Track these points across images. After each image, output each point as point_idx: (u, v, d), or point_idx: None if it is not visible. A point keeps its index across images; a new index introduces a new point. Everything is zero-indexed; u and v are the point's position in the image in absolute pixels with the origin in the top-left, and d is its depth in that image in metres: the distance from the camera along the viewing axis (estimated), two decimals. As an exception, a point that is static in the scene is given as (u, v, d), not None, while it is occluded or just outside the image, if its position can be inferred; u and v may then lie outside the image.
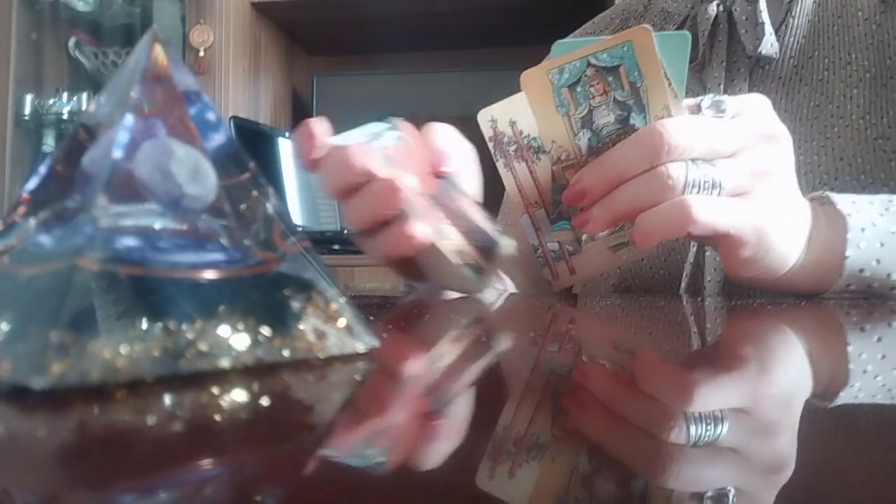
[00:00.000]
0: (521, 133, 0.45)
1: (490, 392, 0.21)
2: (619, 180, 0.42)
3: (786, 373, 0.24)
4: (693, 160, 0.41)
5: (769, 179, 0.42)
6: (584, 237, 0.47)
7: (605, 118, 0.43)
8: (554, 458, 0.15)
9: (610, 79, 0.43)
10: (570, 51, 0.44)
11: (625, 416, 0.18)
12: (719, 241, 0.44)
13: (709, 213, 0.40)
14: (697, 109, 0.43)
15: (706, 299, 0.57)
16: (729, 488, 0.13)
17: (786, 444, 0.15)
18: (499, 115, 0.45)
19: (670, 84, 0.42)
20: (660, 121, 0.42)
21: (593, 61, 0.42)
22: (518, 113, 0.45)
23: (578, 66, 0.43)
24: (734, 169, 0.42)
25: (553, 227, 0.47)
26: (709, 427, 0.16)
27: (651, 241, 0.42)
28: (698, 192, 0.41)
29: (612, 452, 0.15)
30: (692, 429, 0.16)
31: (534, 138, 0.45)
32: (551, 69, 0.43)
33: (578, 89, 0.43)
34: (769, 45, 0.61)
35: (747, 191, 0.42)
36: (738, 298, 0.56)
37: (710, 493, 0.12)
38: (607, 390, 0.21)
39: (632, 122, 0.43)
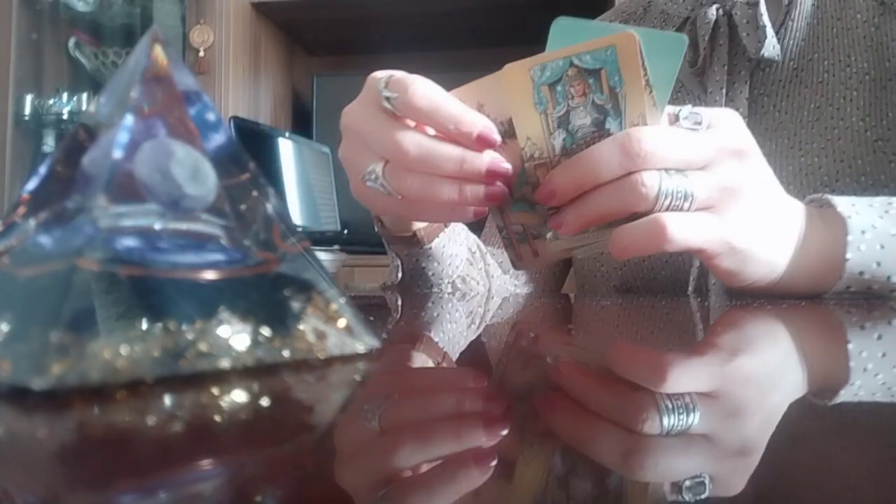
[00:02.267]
0: (488, 116, 0.45)
1: (465, 385, 0.21)
2: (591, 183, 0.42)
3: (776, 366, 0.24)
4: (667, 170, 0.41)
5: (738, 195, 0.43)
6: (548, 235, 0.47)
7: (582, 120, 0.43)
8: (528, 456, 0.15)
9: (591, 81, 0.42)
10: (571, 30, 0.44)
11: (601, 409, 0.18)
12: (695, 254, 0.44)
13: (683, 231, 0.41)
14: (675, 119, 0.43)
15: (709, 299, 0.57)
16: (704, 475, 0.13)
17: (756, 429, 0.16)
18: (466, 97, 0.45)
19: (651, 92, 0.42)
20: (638, 128, 0.42)
21: (576, 62, 0.42)
22: (486, 96, 0.45)
23: (561, 65, 0.43)
24: (706, 181, 0.42)
25: (513, 207, 0.48)
26: (681, 416, 0.16)
27: (626, 256, 0.43)
28: (670, 202, 0.41)
29: (587, 449, 0.15)
30: (665, 420, 0.16)
31: (501, 122, 0.45)
32: (533, 66, 0.43)
33: (558, 88, 0.43)
34: (771, 47, 0.61)
35: (716, 204, 0.43)
36: (741, 299, 0.56)
37: (686, 483, 0.12)
38: (586, 384, 0.22)
39: (607, 126, 0.43)
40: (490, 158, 0.43)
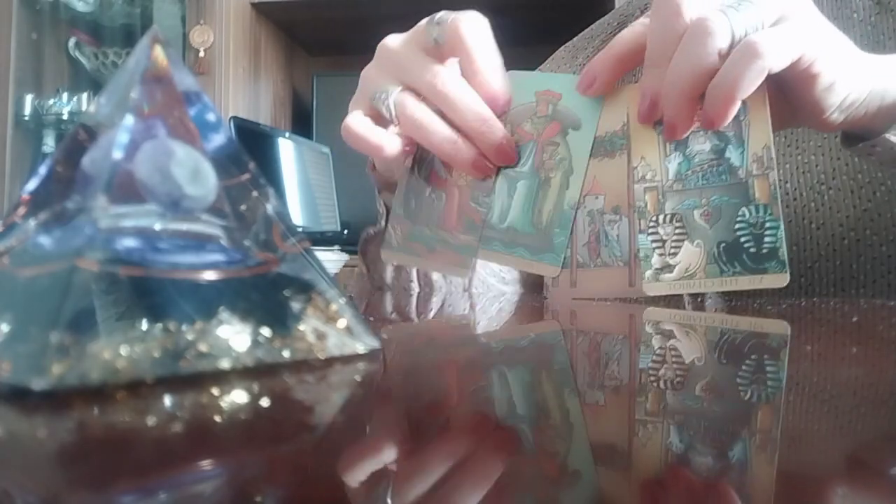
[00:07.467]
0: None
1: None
2: (657, 64, 0.39)
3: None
4: (728, 8, 0.38)
5: (798, 5, 0.40)
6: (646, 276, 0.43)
7: (701, 145, 0.41)
8: None
9: None
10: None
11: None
12: (796, 77, 0.40)
13: (775, 41, 0.37)
14: None
15: (706, 299, 0.57)
16: None
17: None
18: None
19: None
20: None
21: None
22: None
23: None
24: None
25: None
26: None
27: (730, 108, 0.38)
28: (745, 30, 0.38)
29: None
30: None
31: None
32: None
33: None
34: None
35: (786, 15, 0.39)
36: (736, 299, 0.56)
37: None
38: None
39: (727, 155, 0.40)
40: (507, 136, 0.42)
